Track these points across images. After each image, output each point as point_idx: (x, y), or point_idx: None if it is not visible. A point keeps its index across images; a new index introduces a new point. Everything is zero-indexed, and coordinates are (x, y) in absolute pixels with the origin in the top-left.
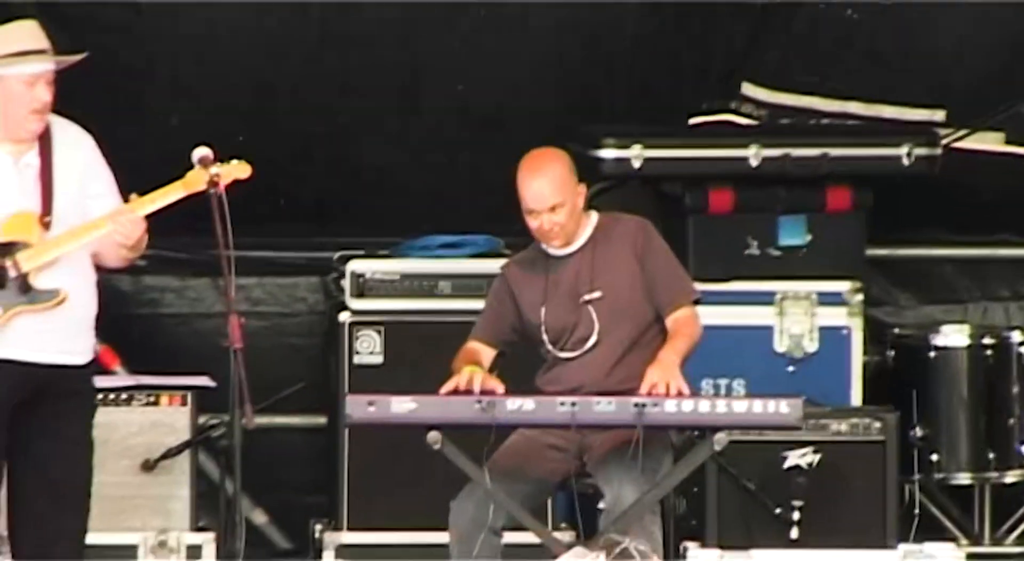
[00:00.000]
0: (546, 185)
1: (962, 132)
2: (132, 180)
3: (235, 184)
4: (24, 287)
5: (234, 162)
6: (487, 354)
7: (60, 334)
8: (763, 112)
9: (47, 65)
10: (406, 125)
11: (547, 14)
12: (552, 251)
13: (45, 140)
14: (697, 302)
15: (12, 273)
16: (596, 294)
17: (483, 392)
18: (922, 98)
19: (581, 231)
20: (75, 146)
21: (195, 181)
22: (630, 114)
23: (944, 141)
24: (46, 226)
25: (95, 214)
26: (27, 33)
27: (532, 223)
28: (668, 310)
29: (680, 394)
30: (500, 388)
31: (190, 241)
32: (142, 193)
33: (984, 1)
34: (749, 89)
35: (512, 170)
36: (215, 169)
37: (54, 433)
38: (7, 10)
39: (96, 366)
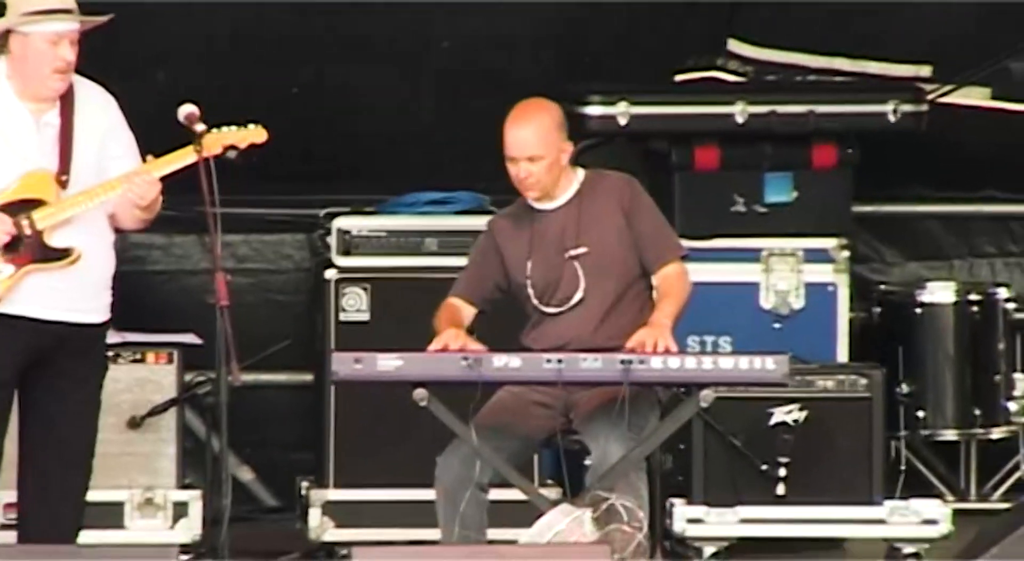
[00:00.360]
0: (529, 134)
1: (948, 87)
2: None
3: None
4: (38, 245)
5: (251, 126)
6: (467, 313)
7: (74, 292)
8: (749, 68)
9: (71, 24)
10: (393, 82)
11: None
12: (538, 206)
13: (67, 100)
14: (684, 258)
15: (27, 231)
16: (582, 249)
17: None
18: (908, 54)
19: (566, 186)
20: (98, 107)
21: (210, 145)
22: (617, 72)
23: (930, 97)
24: (63, 185)
25: (113, 175)
26: None
27: (511, 170)
28: (656, 267)
29: (667, 351)
30: (483, 350)
31: (176, 198)
32: (157, 155)
33: None
34: (735, 46)
35: (499, 128)
36: (232, 139)
37: (63, 392)
38: None
39: (107, 329)
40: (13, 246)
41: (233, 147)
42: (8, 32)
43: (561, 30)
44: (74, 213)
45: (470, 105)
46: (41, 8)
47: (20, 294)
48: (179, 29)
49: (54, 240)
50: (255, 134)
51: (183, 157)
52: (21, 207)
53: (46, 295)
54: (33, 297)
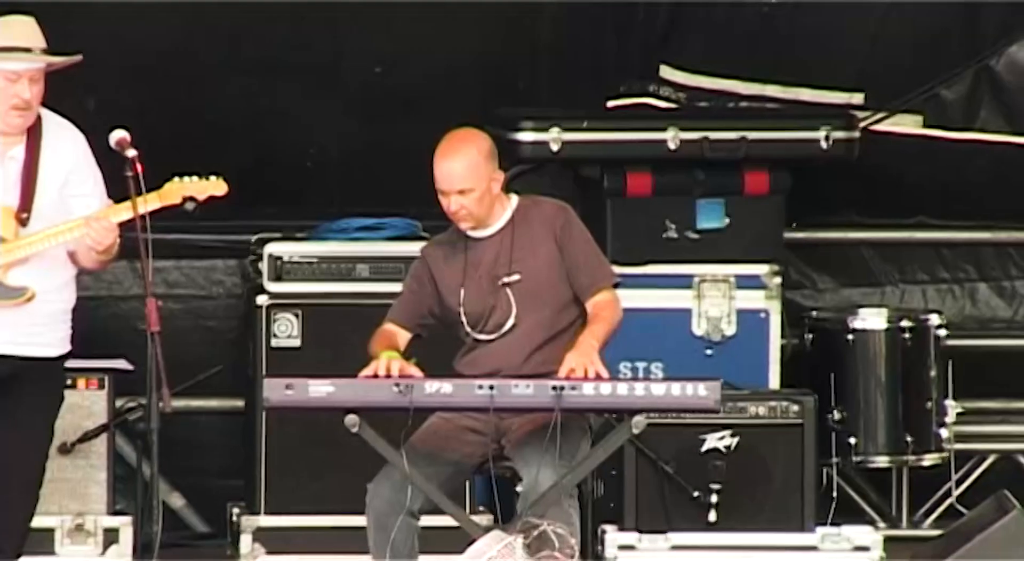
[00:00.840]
0: (457, 168)
1: (881, 114)
2: None
3: (147, 165)
4: None
5: (212, 178)
6: (403, 337)
7: (28, 327)
8: (681, 95)
9: (29, 64)
10: (325, 107)
11: None
12: (470, 233)
13: (34, 134)
14: (616, 286)
15: None
16: (515, 277)
17: (401, 376)
18: (840, 82)
19: (500, 214)
20: (66, 143)
21: (170, 194)
22: (550, 99)
23: (863, 124)
24: (22, 222)
25: (77, 213)
26: (18, 29)
27: (442, 202)
28: (588, 294)
29: (599, 378)
30: (418, 375)
31: None
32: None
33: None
34: (667, 72)
35: (431, 153)
36: (192, 190)
37: (15, 420)
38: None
39: (63, 364)
40: None
41: (192, 198)
42: None
43: (493, 55)
44: (30, 253)
45: (401, 130)
46: (1, 45)
47: None
48: (108, 54)
49: (9, 278)
50: (215, 186)
51: (143, 204)
52: None
53: (1, 330)
54: None
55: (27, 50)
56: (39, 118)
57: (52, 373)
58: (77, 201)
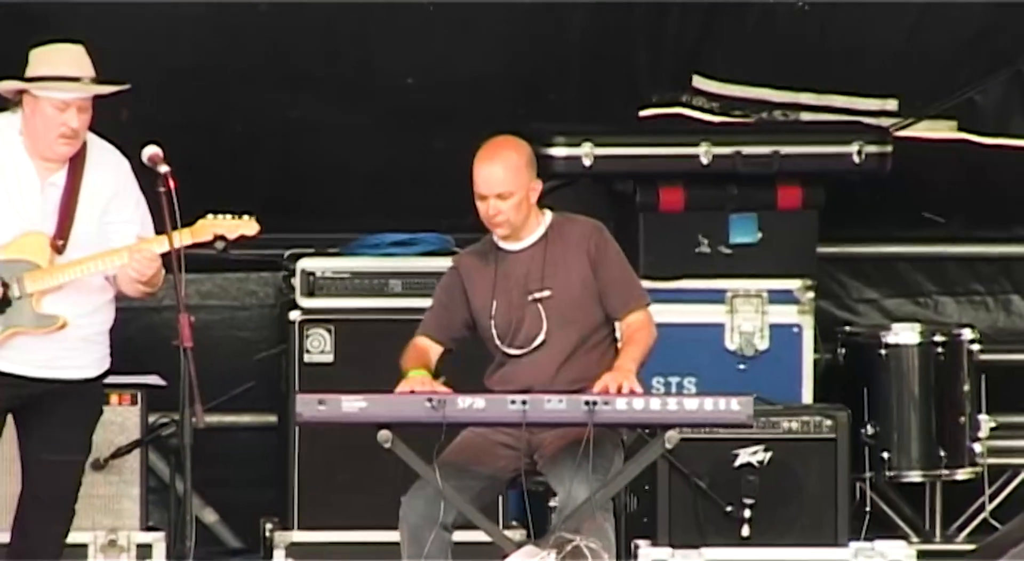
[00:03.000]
0: (498, 171)
1: (914, 120)
2: None
3: (179, 180)
4: (26, 308)
5: (244, 217)
6: (434, 352)
7: (61, 352)
8: (715, 104)
9: (79, 93)
10: (357, 121)
11: (496, 11)
12: (504, 245)
13: (77, 161)
14: (646, 306)
15: (16, 293)
16: (546, 293)
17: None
18: (874, 89)
19: (534, 227)
20: (108, 171)
21: (202, 230)
22: (581, 111)
23: (896, 130)
24: (58, 249)
25: (114, 241)
26: (68, 57)
27: (480, 206)
28: (621, 314)
29: (632, 393)
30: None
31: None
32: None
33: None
34: (700, 82)
35: (464, 167)
36: (223, 229)
37: (48, 437)
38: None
39: (102, 382)
40: (1, 306)
41: (223, 237)
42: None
43: (524, 67)
44: (65, 281)
45: (434, 145)
46: (51, 74)
47: (7, 353)
48: (140, 68)
49: (43, 306)
50: (247, 226)
51: (186, 237)
52: (11, 267)
53: (32, 354)
54: (20, 357)
55: (76, 79)
56: (83, 143)
57: (88, 391)
58: (116, 228)
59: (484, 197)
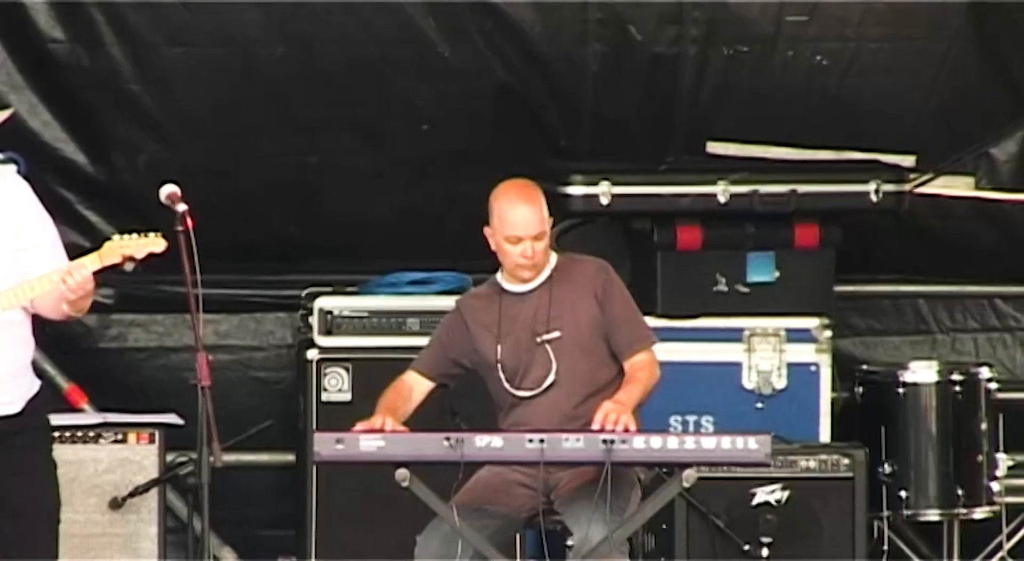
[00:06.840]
0: (535, 212)
1: (932, 176)
2: (108, 219)
3: (197, 220)
4: None
5: (150, 235)
6: (420, 389)
7: None
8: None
9: None
10: (373, 163)
11: (508, 56)
12: (509, 287)
13: None
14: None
15: None
16: (554, 334)
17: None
18: (891, 145)
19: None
20: (10, 198)
21: (110, 254)
22: (592, 159)
23: (913, 186)
24: None
25: (30, 265)
26: None
27: (513, 249)
28: (627, 354)
29: (626, 429)
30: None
31: (157, 278)
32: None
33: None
34: (715, 147)
35: (479, 208)
36: (127, 247)
37: (7, 468)
38: None
39: (37, 405)
40: None
41: (131, 258)
42: None
43: (537, 114)
44: None
45: (451, 185)
46: None
47: None
48: (157, 112)
49: None
50: (153, 243)
51: (94, 261)
52: None
53: None
54: None
55: None
56: None
57: (21, 424)
58: (27, 253)
59: (520, 239)
